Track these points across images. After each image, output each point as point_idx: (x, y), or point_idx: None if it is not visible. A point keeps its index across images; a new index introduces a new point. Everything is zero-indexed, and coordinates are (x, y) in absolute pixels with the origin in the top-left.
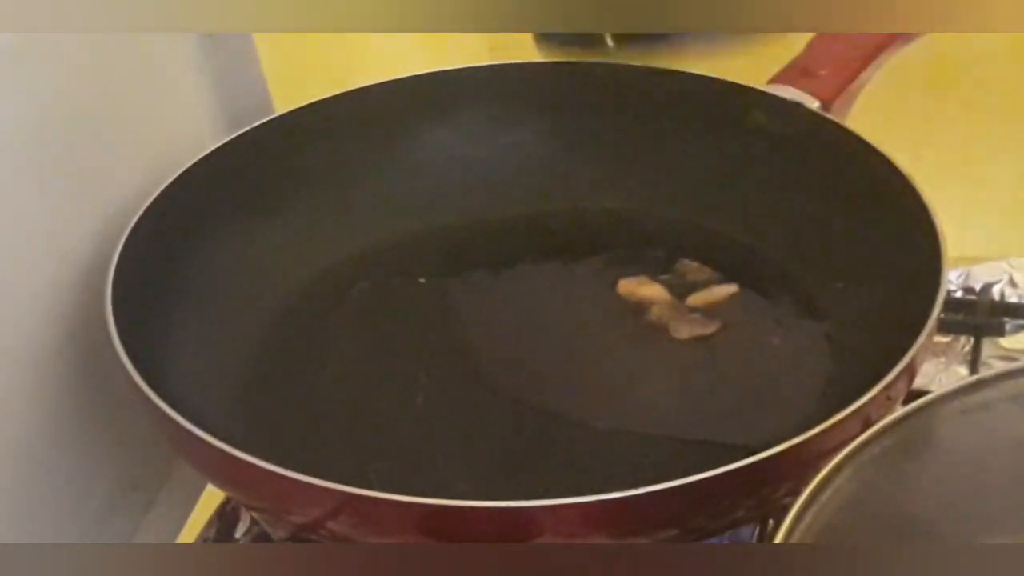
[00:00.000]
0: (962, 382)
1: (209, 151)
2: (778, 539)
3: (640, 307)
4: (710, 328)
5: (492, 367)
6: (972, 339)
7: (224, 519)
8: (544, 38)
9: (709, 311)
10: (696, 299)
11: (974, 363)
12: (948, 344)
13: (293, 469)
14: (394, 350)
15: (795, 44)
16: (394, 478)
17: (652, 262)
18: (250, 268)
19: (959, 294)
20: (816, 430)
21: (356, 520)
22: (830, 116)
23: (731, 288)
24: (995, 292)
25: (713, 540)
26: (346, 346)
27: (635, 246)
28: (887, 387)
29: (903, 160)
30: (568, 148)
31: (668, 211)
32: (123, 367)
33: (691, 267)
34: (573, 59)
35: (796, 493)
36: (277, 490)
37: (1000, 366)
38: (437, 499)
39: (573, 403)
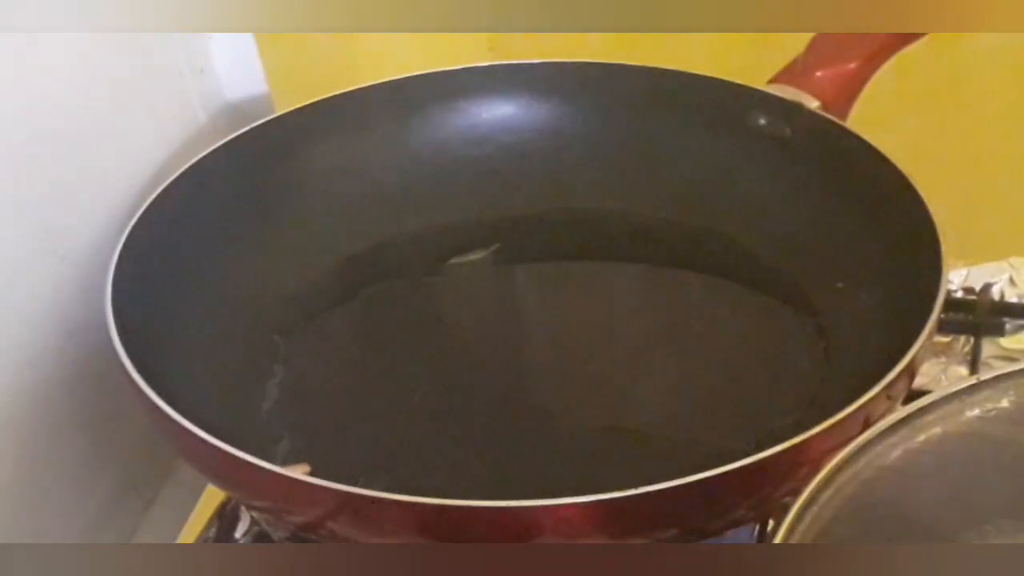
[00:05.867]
0: (962, 382)
1: (209, 151)
2: (778, 539)
3: None
4: None
5: (492, 367)
6: (972, 339)
7: (224, 519)
8: None
9: None
10: None
11: (974, 363)
12: (948, 344)
13: None
14: (394, 350)
15: (795, 44)
16: (394, 478)
17: (652, 262)
18: (250, 268)
19: (959, 294)
20: (816, 430)
21: (356, 520)
22: (830, 116)
23: None
24: (995, 292)
25: (713, 540)
26: (346, 345)
27: (635, 246)
28: (887, 387)
29: (903, 160)
30: (568, 148)
31: (668, 211)
32: (123, 367)
33: None
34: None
35: (796, 493)
36: (277, 490)
37: (1000, 366)
38: (437, 499)
39: (573, 403)
